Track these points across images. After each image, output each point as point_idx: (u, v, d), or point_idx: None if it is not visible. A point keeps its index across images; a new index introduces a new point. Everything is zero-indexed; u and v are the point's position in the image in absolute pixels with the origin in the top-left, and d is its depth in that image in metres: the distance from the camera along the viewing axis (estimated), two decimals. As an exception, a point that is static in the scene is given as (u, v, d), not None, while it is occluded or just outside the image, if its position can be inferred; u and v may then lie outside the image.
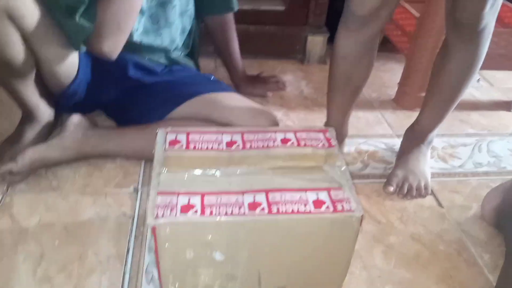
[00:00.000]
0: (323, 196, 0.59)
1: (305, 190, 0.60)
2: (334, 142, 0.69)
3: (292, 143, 0.68)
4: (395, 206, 0.90)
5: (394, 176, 0.93)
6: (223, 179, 0.61)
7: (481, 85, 1.41)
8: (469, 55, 0.84)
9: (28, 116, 0.94)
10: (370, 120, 1.19)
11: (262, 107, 1.00)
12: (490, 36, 0.82)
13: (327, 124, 1.00)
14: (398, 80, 1.28)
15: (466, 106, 1.29)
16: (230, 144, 0.67)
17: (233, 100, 0.97)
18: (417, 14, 1.19)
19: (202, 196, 0.58)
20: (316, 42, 1.44)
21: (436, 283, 0.75)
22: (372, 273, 0.76)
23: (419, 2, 1.23)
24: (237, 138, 0.69)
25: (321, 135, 0.70)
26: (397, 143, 1.09)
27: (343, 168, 0.64)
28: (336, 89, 0.93)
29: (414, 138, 0.98)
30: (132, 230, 0.80)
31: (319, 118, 1.18)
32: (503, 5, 1.32)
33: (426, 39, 1.15)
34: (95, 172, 0.93)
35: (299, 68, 1.43)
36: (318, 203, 0.57)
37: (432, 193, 0.94)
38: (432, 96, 0.93)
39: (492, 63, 1.21)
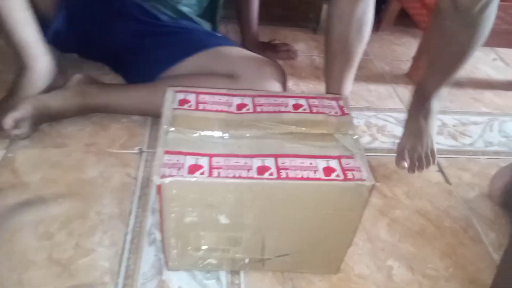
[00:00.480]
0: (333, 163, 0.57)
1: (316, 157, 0.58)
2: (347, 110, 0.67)
3: (304, 109, 0.66)
4: (402, 180, 0.89)
5: (403, 149, 0.89)
6: (232, 142, 0.60)
7: (497, 64, 1.38)
8: (469, 36, 0.78)
9: (25, 65, 0.90)
10: (382, 94, 1.16)
11: (268, 59, 0.96)
12: (493, 14, 0.77)
13: (328, 92, 0.95)
14: (412, 54, 1.25)
15: (480, 84, 1.26)
16: (240, 106, 0.65)
17: (239, 52, 0.94)
18: (437, -14, 1.15)
19: (211, 157, 0.56)
20: (329, 11, 1.39)
21: (440, 258, 0.74)
22: (376, 246, 0.75)
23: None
24: (248, 101, 0.66)
25: (334, 103, 0.68)
26: (407, 118, 1.07)
27: (355, 137, 0.62)
28: (333, 56, 0.88)
29: (420, 99, 0.92)
30: (135, 191, 0.79)
31: (329, 89, 1.15)
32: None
33: (444, 12, 1.11)
34: (100, 132, 0.91)
35: (312, 38, 1.39)
36: (328, 171, 0.56)
37: (440, 170, 0.93)
38: (435, 60, 0.88)
39: (510, 41, 1.17)
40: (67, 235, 0.70)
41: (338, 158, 0.58)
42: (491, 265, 0.74)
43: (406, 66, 1.27)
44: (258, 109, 0.65)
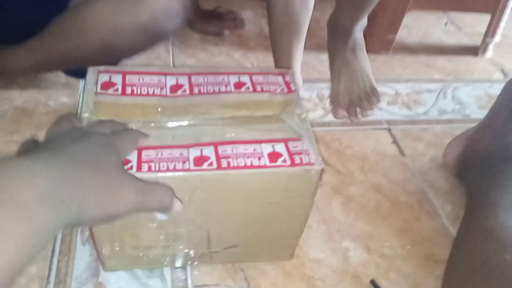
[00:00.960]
0: (279, 148, 0.51)
1: (260, 141, 0.52)
2: (294, 86, 0.60)
3: (247, 88, 0.59)
4: (357, 155, 0.85)
5: (337, 95, 0.81)
6: (165, 132, 0.52)
7: (449, 28, 1.35)
8: None
9: None
10: (334, 63, 1.11)
11: None
12: None
13: (277, 67, 0.90)
14: (364, 20, 1.20)
15: (433, 50, 1.23)
16: (175, 88, 0.57)
17: None
18: None
19: (139, 151, 0.49)
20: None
21: (396, 236, 0.71)
22: (330, 227, 0.71)
23: None
24: (184, 80, 0.58)
25: (280, 78, 0.61)
26: (361, 88, 1.03)
27: (303, 116, 0.56)
28: (279, 29, 0.83)
29: (339, 37, 0.84)
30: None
31: (279, 60, 1.09)
32: None
33: (396, -25, 1.06)
34: (24, 118, 0.81)
35: (260, 5, 1.31)
36: (274, 156, 0.50)
37: (395, 141, 0.90)
38: None
39: (463, 4, 1.14)
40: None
41: (285, 141, 0.52)
42: (447, 239, 0.71)
43: (358, 33, 1.22)
44: (196, 90, 0.57)
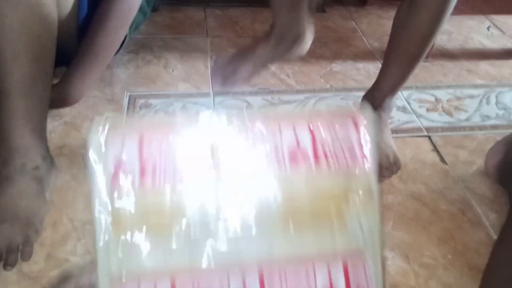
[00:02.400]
0: (336, 275, 0.38)
1: (312, 261, 0.39)
2: (371, 158, 0.42)
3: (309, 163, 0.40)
4: (395, 163, 0.84)
5: None
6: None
7: (491, 32, 1.31)
8: (443, 2, 0.71)
9: None
10: (371, 72, 1.10)
11: None
12: None
13: (273, 24, 0.84)
14: (401, 27, 1.18)
15: (474, 55, 1.20)
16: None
17: None
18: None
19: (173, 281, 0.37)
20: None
21: (438, 245, 0.69)
22: (368, 236, 0.70)
23: None
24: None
25: (353, 133, 0.41)
26: (398, 95, 1.02)
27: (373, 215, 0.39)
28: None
29: (374, 106, 0.85)
30: (110, 193, 0.74)
31: (315, 70, 1.10)
32: None
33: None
34: (72, 132, 0.86)
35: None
36: None
37: (435, 149, 0.88)
38: (396, 53, 0.80)
39: (505, 7, 1.11)
40: (38, 246, 0.66)
41: (344, 262, 0.38)
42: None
43: (395, 40, 1.21)
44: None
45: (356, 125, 0.40)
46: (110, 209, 0.37)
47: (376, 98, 0.84)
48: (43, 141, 0.71)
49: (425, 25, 0.73)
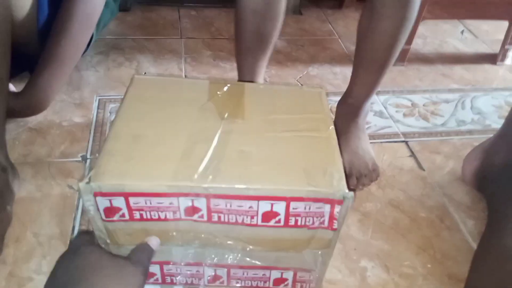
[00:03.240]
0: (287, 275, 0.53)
1: (270, 268, 0.53)
2: (338, 224, 0.49)
3: (278, 220, 0.48)
4: (373, 169, 0.83)
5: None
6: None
7: (465, 37, 1.33)
8: (404, 10, 0.69)
9: None
10: (348, 76, 1.09)
11: None
12: None
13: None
14: (377, 31, 1.18)
15: (449, 59, 1.20)
16: (190, 211, 0.47)
17: None
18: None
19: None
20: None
21: (417, 254, 0.68)
22: (347, 245, 0.69)
23: None
24: (201, 204, 0.47)
25: (327, 208, 0.47)
26: (375, 100, 1.01)
27: (320, 252, 0.52)
28: (246, 49, 0.82)
29: (349, 112, 0.83)
30: (78, 205, 0.70)
31: (291, 74, 1.08)
32: None
33: (409, -15, 1.04)
34: (38, 139, 0.81)
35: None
36: (278, 281, 0.53)
37: (412, 154, 0.87)
38: (364, 61, 0.78)
39: (480, 12, 1.12)
40: (0, 263, 0.61)
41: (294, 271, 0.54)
42: (470, 256, 0.68)
43: (372, 44, 1.21)
44: (215, 217, 0.48)
45: (332, 207, 0.46)
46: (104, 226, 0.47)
47: (351, 104, 0.83)
48: (2, 152, 0.67)
49: (387, 33, 0.71)
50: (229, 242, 0.50)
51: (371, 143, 0.88)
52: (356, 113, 0.83)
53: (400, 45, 0.74)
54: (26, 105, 0.79)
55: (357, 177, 0.78)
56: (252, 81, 0.85)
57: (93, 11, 0.83)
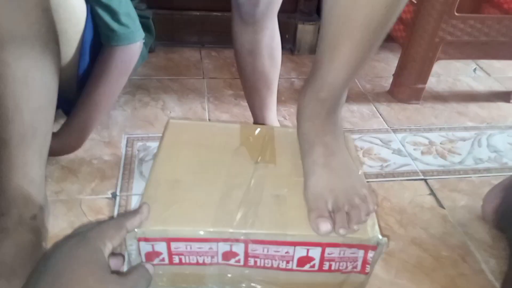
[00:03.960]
0: None
1: None
2: (370, 268, 0.51)
3: (313, 265, 0.50)
4: (394, 208, 0.84)
5: (315, 196, 0.53)
6: None
7: (478, 75, 1.36)
8: None
9: None
10: (365, 114, 1.13)
11: None
12: None
13: (255, 122, 0.93)
14: (392, 70, 1.22)
15: (463, 97, 1.23)
16: (228, 256, 0.50)
17: None
18: (414, 0, 1.12)
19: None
20: (306, 31, 1.36)
21: (441, 293, 0.69)
22: (372, 285, 0.70)
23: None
24: (239, 249, 0.49)
25: (361, 253, 0.49)
26: (392, 138, 1.04)
27: None
28: (252, 89, 0.86)
29: (322, 112, 0.55)
30: (110, 242, 0.73)
31: (311, 112, 1.11)
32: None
33: (423, 27, 1.08)
34: (69, 176, 0.85)
35: (289, 59, 1.36)
36: None
37: (432, 193, 0.89)
38: (347, 28, 0.48)
39: (493, 52, 1.15)
40: (35, 300, 0.63)
41: None
42: (494, 296, 0.69)
43: (387, 83, 1.24)
44: (251, 261, 0.50)
45: (366, 252, 0.48)
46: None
47: (324, 100, 0.54)
48: (41, 190, 0.70)
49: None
50: (262, 285, 0.51)
51: (391, 181, 0.90)
52: (333, 110, 0.56)
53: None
54: (62, 145, 0.84)
55: (347, 211, 0.51)
56: (264, 121, 0.90)
57: (130, 59, 0.88)
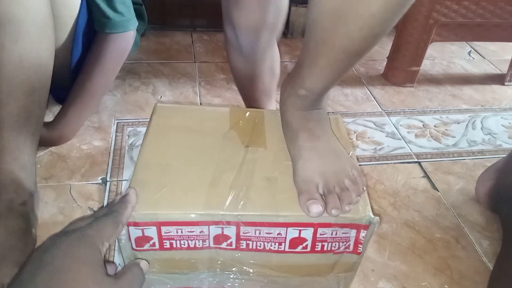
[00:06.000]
0: None
1: None
2: (362, 248, 0.50)
3: (305, 246, 0.49)
4: (387, 190, 0.84)
5: (305, 180, 0.52)
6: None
7: (473, 57, 1.35)
8: None
9: None
10: (358, 97, 1.12)
11: None
12: None
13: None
14: (387, 53, 1.20)
15: (458, 80, 1.22)
16: (219, 239, 0.49)
17: None
18: (407, -18, 1.11)
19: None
20: (300, 13, 1.34)
21: (434, 275, 0.69)
22: (365, 267, 0.70)
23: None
24: (231, 232, 0.48)
25: (353, 233, 0.49)
26: (386, 121, 1.03)
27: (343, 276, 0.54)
28: (249, 97, 0.85)
29: (302, 103, 0.56)
30: (100, 227, 0.72)
31: (304, 96, 1.10)
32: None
33: (417, 9, 1.07)
34: (59, 163, 0.83)
35: (283, 42, 1.34)
36: None
37: (426, 175, 0.88)
38: (323, 51, 0.49)
39: (487, 34, 1.14)
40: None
41: None
42: (487, 277, 0.69)
43: (381, 66, 1.23)
44: (243, 244, 0.49)
45: (358, 231, 0.48)
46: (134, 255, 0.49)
47: (305, 97, 0.55)
48: (31, 176, 0.69)
49: (370, 19, 0.43)
50: (254, 269, 0.51)
51: (385, 163, 0.89)
52: (314, 104, 0.57)
53: (388, 31, 0.47)
54: (56, 135, 0.83)
55: (338, 193, 0.51)
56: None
57: (124, 48, 0.87)
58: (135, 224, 0.47)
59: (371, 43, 0.47)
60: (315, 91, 0.55)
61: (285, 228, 0.47)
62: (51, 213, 0.74)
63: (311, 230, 0.47)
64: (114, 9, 0.83)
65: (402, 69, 1.16)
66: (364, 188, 0.54)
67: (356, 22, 0.44)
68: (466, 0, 1.06)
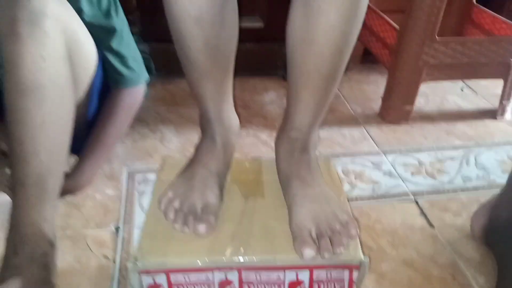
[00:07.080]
0: None
1: None
2: (356, 286, 0.57)
3: None
4: (386, 229, 0.88)
5: (299, 226, 0.57)
6: None
7: (466, 93, 1.41)
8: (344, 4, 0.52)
9: None
10: (356, 137, 1.17)
11: None
12: None
13: (202, 118, 0.71)
14: (382, 93, 1.26)
15: (451, 116, 1.28)
16: (223, 285, 0.54)
17: None
18: (397, 27, 1.18)
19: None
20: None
21: (432, 312, 0.72)
22: (366, 306, 0.73)
23: (398, 12, 1.21)
24: (233, 277, 0.53)
25: (346, 274, 0.54)
26: (383, 160, 1.08)
27: None
28: (202, 74, 0.64)
29: (295, 149, 0.65)
30: (113, 274, 0.76)
31: (304, 137, 1.16)
32: (482, 12, 1.33)
33: (407, 52, 1.13)
34: (74, 212, 0.89)
35: (282, 85, 1.41)
36: None
37: (422, 213, 0.92)
38: (304, 77, 0.58)
39: (475, 72, 1.20)
40: (44, 334, 0.67)
41: None
42: (484, 313, 0.72)
43: (377, 105, 1.29)
44: None
45: (350, 272, 0.54)
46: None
47: (295, 139, 0.64)
48: (52, 227, 0.74)
49: (334, 31, 0.52)
50: None
51: (382, 202, 0.94)
52: (304, 148, 0.65)
53: (352, 45, 0.56)
54: (73, 185, 0.89)
55: (330, 236, 0.56)
56: (221, 116, 0.68)
57: (136, 100, 0.94)
58: (147, 272, 0.52)
59: (339, 60, 0.56)
60: (304, 129, 0.63)
61: (283, 271, 0.52)
62: (68, 262, 0.78)
63: (307, 272, 0.52)
64: (127, 66, 0.90)
65: (396, 108, 1.21)
66: (357, 231, 0.60)
67: (321, 38, 0.53)
68: (452, 42, 1.12)
